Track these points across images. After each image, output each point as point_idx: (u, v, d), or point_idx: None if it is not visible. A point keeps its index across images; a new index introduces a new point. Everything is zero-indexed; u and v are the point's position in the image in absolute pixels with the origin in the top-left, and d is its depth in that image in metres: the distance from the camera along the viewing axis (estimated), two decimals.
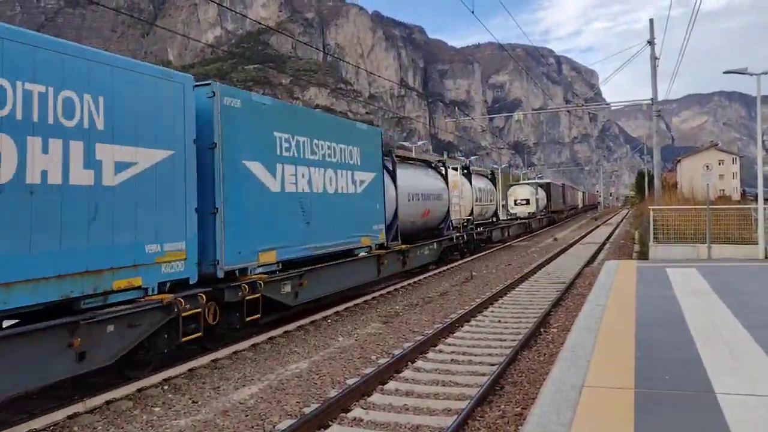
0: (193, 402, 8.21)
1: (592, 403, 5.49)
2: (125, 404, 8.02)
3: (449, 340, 11.34)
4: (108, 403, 7.96)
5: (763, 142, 21.56)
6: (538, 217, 49.34)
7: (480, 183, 31.92)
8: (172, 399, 8.33)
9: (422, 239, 21.65)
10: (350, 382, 8.64)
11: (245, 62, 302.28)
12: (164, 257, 8.80)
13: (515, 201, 48.61)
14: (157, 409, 7.96)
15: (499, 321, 13.06)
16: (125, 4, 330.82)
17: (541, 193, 52.50)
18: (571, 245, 32.99)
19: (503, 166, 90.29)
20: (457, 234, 25.10)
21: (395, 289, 17.96)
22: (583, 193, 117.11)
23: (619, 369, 6.54)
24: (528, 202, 48.55)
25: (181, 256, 9.10)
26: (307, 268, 12.80)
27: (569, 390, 5.87)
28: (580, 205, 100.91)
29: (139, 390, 8.47)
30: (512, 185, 51.95)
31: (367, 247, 15.61)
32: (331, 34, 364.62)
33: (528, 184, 51.61)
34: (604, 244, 33.93)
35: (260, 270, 11.24)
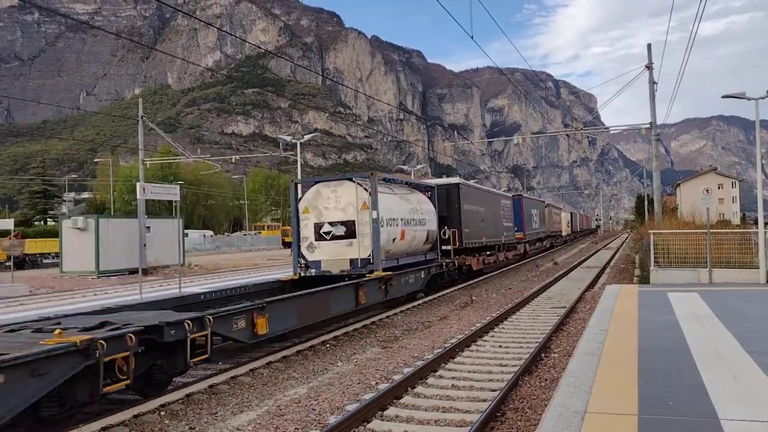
0: (191, 429, 8.10)
1: (596, 430, 5.40)
2: (121, 431, 7.91)
3: (449, 365, 11.24)
4: (104, 429, 7.84)
5: (762, 165, 21.59)
6: (383, 284, 16.93)
7: None
8: (168, 425, 8.22)
9: None
10: (349, 408, 8.53)
11: (244, 86, 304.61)
12: None
13: (319, 228, 17.99)
14: None
15: (500, 346, 12.95)
16: (125, 28, 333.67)
17: (409, 207, 20.52)
18: (571, 269, 32.92)
19: (503, 189, 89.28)
20: None
21: (394, 314, 17.85)
22: (572, 214, 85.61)
23: (622, 394, 6.46)
24: (350, 231, 17.74)
25: None
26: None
27: (572, 416, 5.78)
28: (567, 233, 73.61)
29: (136, 416, 8.35)
30: (316, 181, 18.91)
31: None
32: (330, 59, 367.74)
33: (354, 180, 18.13)
34: (604, 268, 33.85)
35: None
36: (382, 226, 17.60)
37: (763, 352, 8.32)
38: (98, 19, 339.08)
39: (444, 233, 23.87)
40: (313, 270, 17.87)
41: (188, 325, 8.75)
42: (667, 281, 18.53)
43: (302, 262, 18.06)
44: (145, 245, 33.08)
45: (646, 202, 63.20)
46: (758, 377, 7.09)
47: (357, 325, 15.57)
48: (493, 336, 14.10)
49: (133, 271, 34.02)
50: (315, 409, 8.69)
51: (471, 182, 35.29)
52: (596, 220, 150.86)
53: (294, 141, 50.27)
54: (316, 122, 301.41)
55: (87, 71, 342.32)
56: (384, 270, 17.34)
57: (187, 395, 9.38)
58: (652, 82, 29.03)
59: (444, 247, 23.78)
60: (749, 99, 19.02)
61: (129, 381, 7.70)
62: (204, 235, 76.87)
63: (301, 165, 47.80)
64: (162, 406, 8.84)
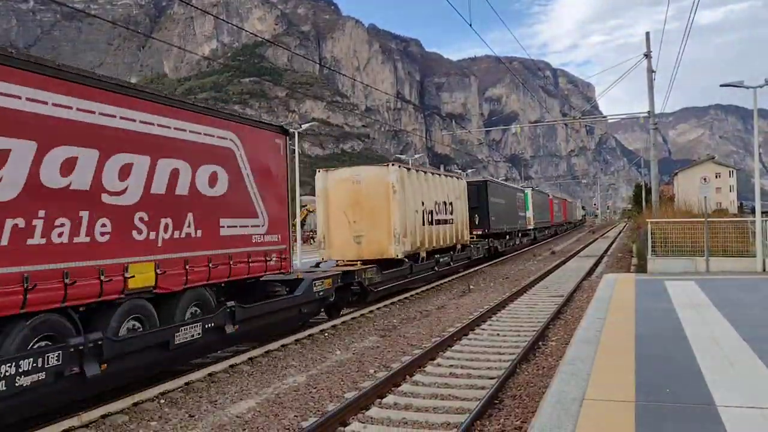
0: (190, 416, 8.13)
1: (593, 416, 5.44)
2: (121, 418, 7.94)
3: (447, 353, 11.28)
4: (104, 417, 7.88)
5: (759, 155, 21.61)
6: None
7: None
8: (168, 413, 8.25)
9: None
10: (348, 395, 8.58)
11: (241, 75, 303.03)
12: None
13: None
14: (153, 423, 7.89)
15: (498, 334, 13.00)
16: (121, 17, 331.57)
17: None
18: (568, 258, 33.01)
19: (500, 179, 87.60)
20: None
21: (392, 303, 17.89)
22: (485, 187, 32.22)
23: (619, 382, 6.50)
24: None
25: None
26: None
27: (570, 403, 5.82)
28: (464, 239, 26.14)
29: (135, 404, 8.39)
30: None
31: None
32: (327, 47, 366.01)
33: None
34: (601, 257, 33.92)
35: None
36: None
37: (760, 339, 8.37)
38: (94, 7, 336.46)
39: None
40: None
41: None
42: (664, 270, 18.58)
43: None
44: None
45: (643, 192, 63.14)
46: (755, 364, 7.13)
47: (355, 314, 15.61)
48: (491, 325, 14.15)
49: None
50: (314, 397, 8.74)
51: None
52: (584, 208, 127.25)
53: (292, 130, 50.06)
54: (313, 111, 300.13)
55: (83, 60, 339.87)
56: None
57: (187, 383, 9.42)
58: (651, 71, 28.94)
59: None
60: (747, 88, 18.99)
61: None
62: None
63: (299, 155, 47.70)
64: (161, 393, 8.88)
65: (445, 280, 23.54)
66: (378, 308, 16.87)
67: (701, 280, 15.91)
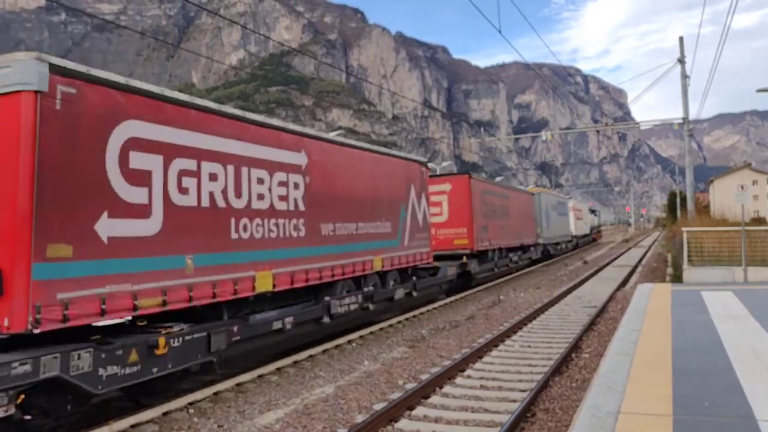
0: (219, 426, 8.11)
1: (630, 431, 5.28)
2: (151, 428, 7.95)
3: (477, 365, 11.12)
4: (133, 426, 7.89)
5: None
6: None
7: None
8: (197, 423, 8.24)
9: None
10: (377, 407, 8.48)
11: (268, 84, 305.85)
12: None
13: None
14: None
15: (529, 346, 12.80)
16: (151, 28, 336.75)
17: None
18: (601, 268, 32.57)
19: (530, 187, 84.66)
20: None
21: (420, 313, 17.76)
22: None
23: (656, 395, 6.31)
24: None
25: None
26: None
27: (605, 416, 5.66)
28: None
29: (165, 413, 8.40)
30: None
31: None
32: (354, 55, 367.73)
33: None
34: (636, 266, 33.39)
35: None
36: None
37: None
38: (123, 18, 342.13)
39: None
40: None
41: None
42: (700, 280, 18.17)
43: None
44: None
45: (678, 199, 61.98)
46: None
47: (383, 324, 15.50)
48: (521, 336, 13.95)
49: None
50: (342, 408, 8.65)
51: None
52: (594, 211, 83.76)
53: None
54: (340, 120, 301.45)
55: (113, 70, 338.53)
56: None
57: (215, 393, 9.41)
58: (685, 77, 28.48)
59: None
60: None
61: None
62: None
63: None
64: (190, 403, 8.88)
65: (473, 290, 23.35)
66: (406, 318, 16.76)
67: (739, 290, 15.50)
